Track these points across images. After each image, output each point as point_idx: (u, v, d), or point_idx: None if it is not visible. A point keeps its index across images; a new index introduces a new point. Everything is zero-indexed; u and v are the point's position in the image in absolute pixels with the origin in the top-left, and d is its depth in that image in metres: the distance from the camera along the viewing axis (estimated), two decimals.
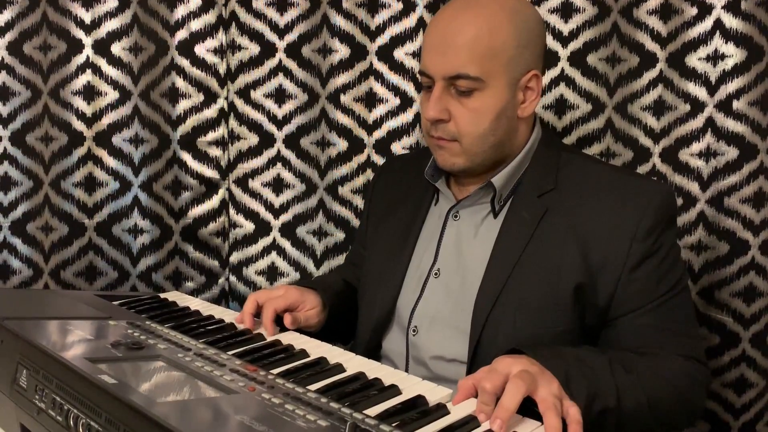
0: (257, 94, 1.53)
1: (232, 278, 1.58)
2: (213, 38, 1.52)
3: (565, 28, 1.42)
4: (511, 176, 1.11)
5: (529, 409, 0.81)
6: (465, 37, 1.03)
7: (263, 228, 1.57)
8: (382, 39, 1.49)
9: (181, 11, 1.50)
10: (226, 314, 1.17)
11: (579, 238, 1.04)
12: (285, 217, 1.57)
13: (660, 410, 1.00)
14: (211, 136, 1.54)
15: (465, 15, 1.05)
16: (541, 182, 1.09)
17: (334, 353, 1.00)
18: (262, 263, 1.58)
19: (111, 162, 1.55)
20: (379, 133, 1.52)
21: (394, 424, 0.74)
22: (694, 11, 1.36)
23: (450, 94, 1.06)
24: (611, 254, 1.03)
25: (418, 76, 1.12)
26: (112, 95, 1.54)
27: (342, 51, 1.51)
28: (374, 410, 0.79)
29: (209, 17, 1.51)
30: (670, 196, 1.09)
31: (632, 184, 1.09)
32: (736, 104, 1.35)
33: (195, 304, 1.25)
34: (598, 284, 1.03)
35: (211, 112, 1.54)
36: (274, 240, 1.57)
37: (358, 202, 1.54)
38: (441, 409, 0.80)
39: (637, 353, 1.02)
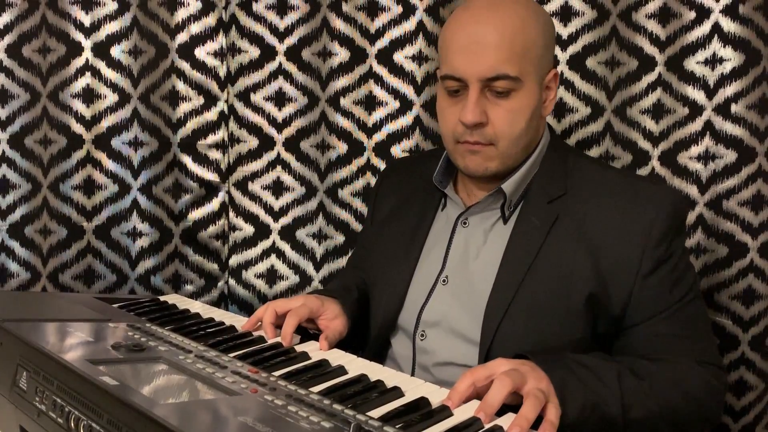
0: (257, 97, 1.53)
1: (232, 281, 1.58)
2: (213, 41, 1.51)
3: (565, 32, 1.42)
4: (521, 182, 1.09)
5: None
6: (500, 36, 1.01)
7: (263, 231, 1.57)
8: (382, 42, 1.49)
9: (181, 14, 1.50)
10: (226, 317, 1.17)
11: (591, 246, 1.03)
12: (285, 220, 1.56)
13: (674, 418, 0.99)
14: (211, 139, 1.54)
15: (495, 15, 1.03)
16: (551, 188, 1.08)
17: (335, 355, 1.00)
18: (262, 266, 1.57)
19: (110, 165, 1.55)
20: (378, 136, 1.52)
21: (397, 426, 0.74)
22: (692, 15, 1.37)
23: (485, 96, 1.04)
24: (624, 261, 1.02)
25: (448, 82, 1.06)
26: (112, 98, 1.53)
27: (342, 54, 1.51)
28: (377, 412, 0.79)
29: (209, 20, 1.51)
30: (680, 201, 1.08)
31: (643, 189, 1.07)
32: (735, 107, 1.36)
33: (195, 306, 1.25)
34: (611, 292, 1.02)
35: (211, 115, 1.54)
36: (274, 243, 1.57)
37: (358, 205, 1.54)
38: (444, 411, 0.80)
39: (651, 360, 1.01)
